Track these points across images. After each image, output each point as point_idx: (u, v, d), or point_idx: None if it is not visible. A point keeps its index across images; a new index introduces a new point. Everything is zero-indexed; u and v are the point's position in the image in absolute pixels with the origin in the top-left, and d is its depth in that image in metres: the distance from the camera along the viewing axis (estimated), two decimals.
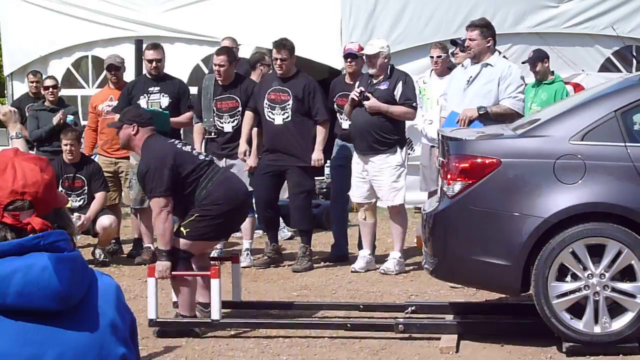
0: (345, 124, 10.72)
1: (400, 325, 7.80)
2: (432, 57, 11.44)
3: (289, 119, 10.33)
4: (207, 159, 8.16)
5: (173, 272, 7.78)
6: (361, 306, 8.60)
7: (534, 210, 7.23)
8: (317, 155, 10.34)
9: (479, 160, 7.43)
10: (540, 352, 7.30)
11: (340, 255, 10.71)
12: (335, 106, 10.80)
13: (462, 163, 7.45)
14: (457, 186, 7.44)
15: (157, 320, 7.95)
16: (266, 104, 10.38)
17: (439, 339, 7.64)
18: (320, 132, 10.39)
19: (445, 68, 11.20)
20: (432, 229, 7.73)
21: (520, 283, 7.29)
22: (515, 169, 7.41)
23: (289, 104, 10.34)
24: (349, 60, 10.85)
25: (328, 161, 11.31)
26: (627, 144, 7.27)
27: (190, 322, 7.96)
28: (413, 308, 8.29)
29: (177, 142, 8.29)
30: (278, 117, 10.36)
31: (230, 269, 8.70)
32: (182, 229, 7.82)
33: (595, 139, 7.32)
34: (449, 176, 7.51)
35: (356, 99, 10.04)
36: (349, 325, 8.03)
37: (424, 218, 7.99)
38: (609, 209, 7.18)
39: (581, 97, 8.51)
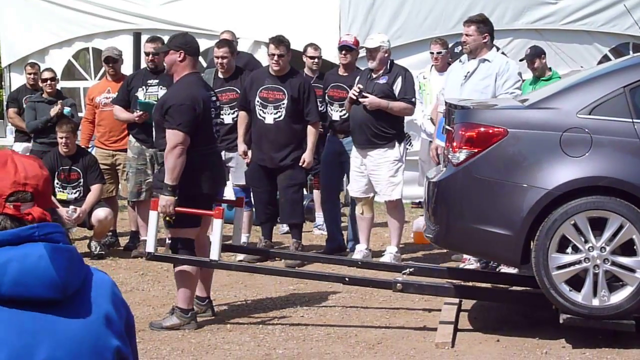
0: (336, 116, 10.76)
1: (398, 284, 7.86)
2: (432, 52, 11.45)
3: (281, 118, 10.29)
4: (216, 135, 8.14)
5: (177, 209, 7.68)
6: (359, 262, 8.69)
7: (538, 182, 7.21)
8: (308, 157, 10.31)
9: (485, 129, 7.43)
10: (536, 346, 7.32)
11: (334, 248, 10.70)
12: (326, 97, 10.83)
13: (469, 131, 7.43)
14: (463, 154, 7.43)
15: (155, 254, 7.99)
16: (258, 101, 10.34)
17: (435, 329, 7.66)
18: (312, 133, 10.37)
19: (445, 64, 11.21)
20: (436, 196, 7.70)
21: (521, 254, 7.28)
22: (522, 139, 7.37)
23: (283, 103, 10.29)
24: (343, 52, 10.87)
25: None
26: (634, 120, 7.26)
27: (188, 259, 7.86)
28: (411, 270, 8.32)
29: (214, 98, 8.18)
30: (269, 116, 10.32)
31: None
32: (167, 218, 7.78)
33: (602, 113, 7.31)
34: (454, 144, 7.50)
35: (354, 97, 10.05)
36: (347, 279, 8.12)
37: (427, 185, 7.99)
38: (614, 183, 7.15)
39: (590, 72, 8.51)
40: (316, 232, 12.09)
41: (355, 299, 8.92)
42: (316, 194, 12.15)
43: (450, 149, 7.58)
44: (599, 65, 9.24)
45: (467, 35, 9.38)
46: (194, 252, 7.95)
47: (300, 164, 10.31)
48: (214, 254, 7.84)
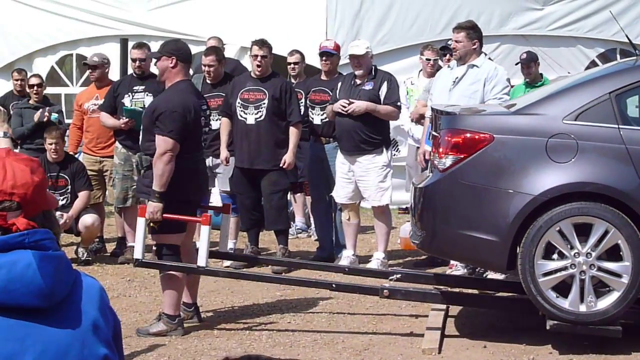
0: (317, 119, 10.76)
1: (385, 291, 7.86)
2: (429, 59, 11.39)
3: (262, 118, 10.29)
4: (204, 143, 8.14)
5: (164, 215, 7.65)
6: (346, 269, 8.69)
7: (524, 188, 7.22)
8: (289, 158, 10.28)
9: (471, 135, 7.43)
10: (523, 352, 7.32)
11: (325, 257, 10.66)
12: (308, 101, 10.85)
13: (455, 137, 7.44)
14: (449, 160, 7.43)
15: (143, 261, 7.95)
16: (239, 103, 10.36)
17: (422, 335, 7.66)
18: (293, 134, 10.34)
19: (435, 71, 11.21)
20: (422, 202, 7.71)
21: (507, 260, 7.29)
22: (508, 145, 7.39)
23: (264, 103, 10.30)
24: (324, 58, 10.88)
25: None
26: (620, 126, 7.28)
27: (176, 265, 7.83)
28: (398, 276, 8.32)
29: (205, 107, 8.16)
30: (250, 117, 10.32)
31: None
32: (152, 224, 7.77)
33: (588, 119, 7.32)
34: (440, 150, 7.51)
35: (344, 111, 10.03)
36: (333, 285, 8.15)
37: (414, 191, 7.99)
38: (599, 189, 7.16)
39: (576, 78, 8.53)
40: (302, 236, 12.07)
41: (342, 305, 8.91)
42: (309, 199, 12.07)
43: (437, 155, 7.59)
44: (585, 71, 9.25)
45: (456, 41, 9.39)
46: (180, 257, 7.93)
47: (280, 164, 10.29)
48: (201, 260, 7.83)
